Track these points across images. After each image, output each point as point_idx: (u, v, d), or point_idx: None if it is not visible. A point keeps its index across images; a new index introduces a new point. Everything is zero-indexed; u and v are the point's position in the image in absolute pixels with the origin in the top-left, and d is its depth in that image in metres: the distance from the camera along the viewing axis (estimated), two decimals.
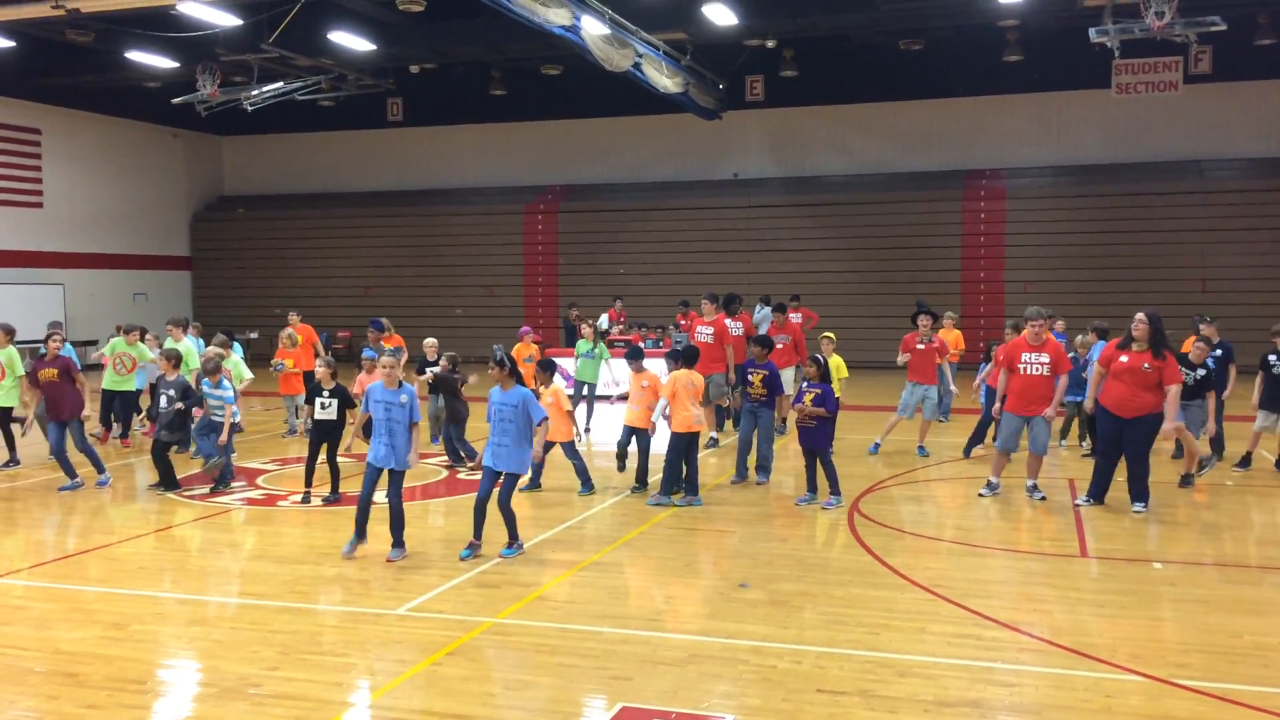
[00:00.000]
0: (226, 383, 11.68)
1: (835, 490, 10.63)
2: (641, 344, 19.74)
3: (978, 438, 13.49)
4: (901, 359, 13.61)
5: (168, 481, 11.63)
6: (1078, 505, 10.56)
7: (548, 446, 11.20)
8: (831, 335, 13.98)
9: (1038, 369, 10.75)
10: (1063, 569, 8.45)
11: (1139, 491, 10.33)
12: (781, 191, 28.58)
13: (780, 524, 10.04)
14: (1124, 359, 10.24)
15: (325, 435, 11.03)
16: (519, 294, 29.70)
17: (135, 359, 14.61)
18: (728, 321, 15.59)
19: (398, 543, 8.72)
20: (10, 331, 12.93)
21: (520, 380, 8.85)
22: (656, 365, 14.18)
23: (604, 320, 22.29)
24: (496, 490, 8.72)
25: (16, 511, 10.94)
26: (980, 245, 26.69)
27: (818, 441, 10.61)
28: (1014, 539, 9.44)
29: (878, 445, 13.77)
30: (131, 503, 11.32)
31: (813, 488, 10.75)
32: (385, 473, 8.68)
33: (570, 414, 11.46)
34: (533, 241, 29.93)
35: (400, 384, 8.72)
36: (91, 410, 12.70)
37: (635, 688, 5.97)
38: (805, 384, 10.72)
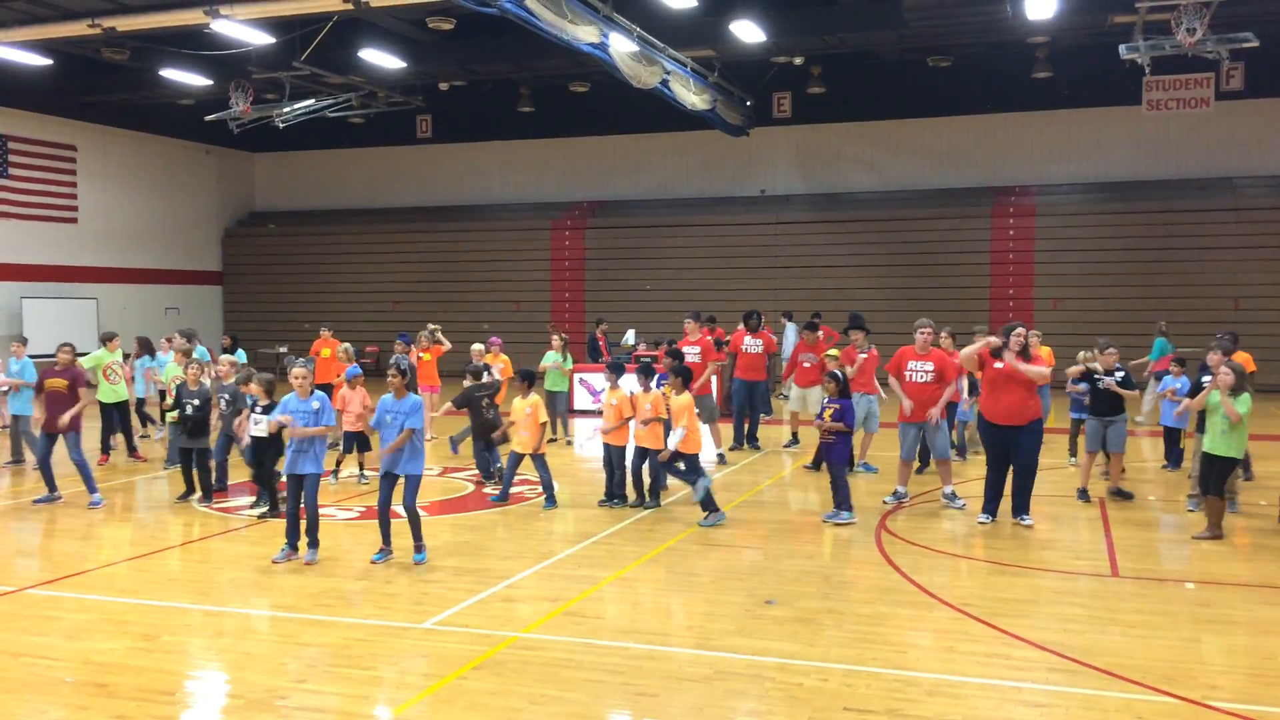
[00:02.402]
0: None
1: (845, 506, 10.62)
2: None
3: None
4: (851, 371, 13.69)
5: (206, 491, 11.73)
6: (981, 522, 10.49)
7: (517, 458, 11.34)
8: (836, 353, 13.91)
9: (923, 376, 11.14)
10: (1093, 588, 8.36)
11: (1024, 504, 10.37)
12: (809, 208, 28.54)
13: (806, 541, 10.00)
14: (999, 365, 10.28)
15: (260, 451, 11.05)
16: (546, 309, 29.77)
17: (125, 365, 14.76)
18: (747, 339, 15.57)
19: (313, 543, 9.05)
20: None
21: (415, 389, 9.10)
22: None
23: (630, 336, 22.27)
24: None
25: (47, 523, 11.05)
26: (1009, 262, 26.53)
27: (834, 456, 10.62)
28: (1044, 558, 9.34)
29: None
30: (161, 515, 11.41)
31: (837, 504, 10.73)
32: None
33: (543, 426, 11.47)
34: (560, 257, 30.02)
35: (312, 392, 9.03)
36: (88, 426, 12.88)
37: (660, 704, 5.96)
38: (826, 400, 10.78)
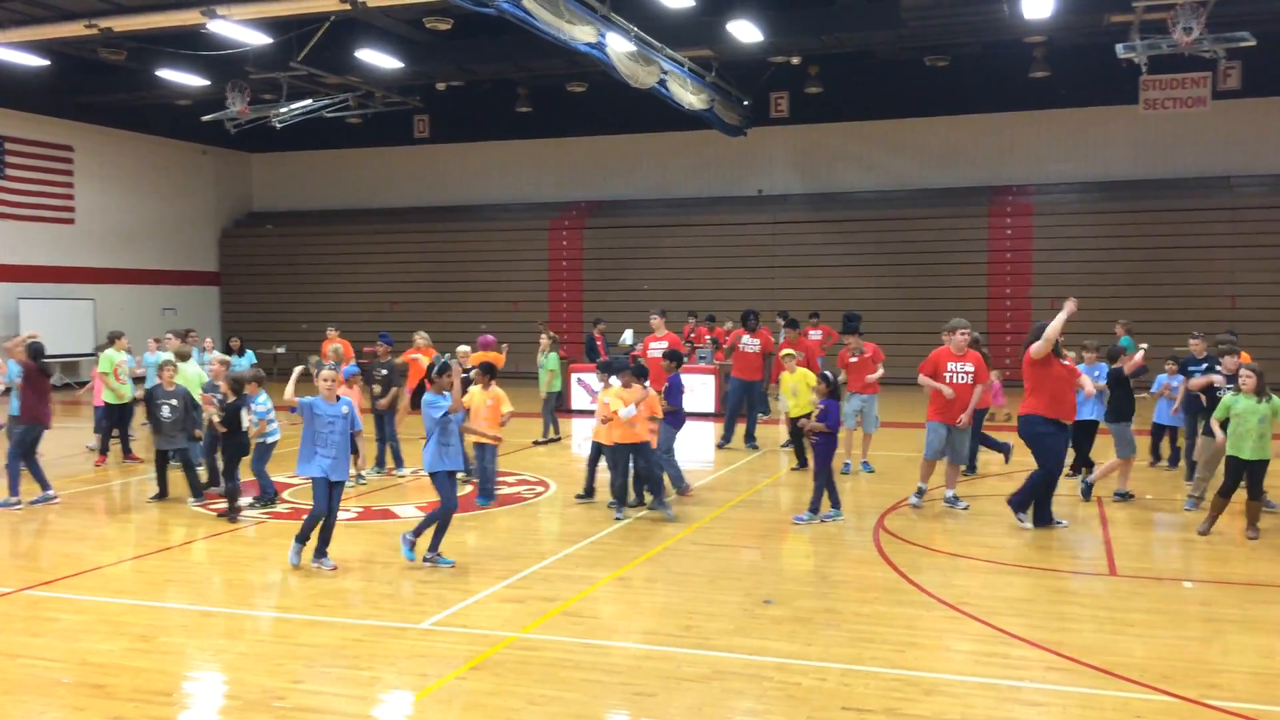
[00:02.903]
0: (263, 395, 11.76)
1: (814, 508, 10.64)
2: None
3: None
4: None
5: (196, 491, 11.73)
6: (1021, 523, 10.42)
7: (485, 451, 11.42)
8: (794, 352, 13.91)
9: (963, 377, 10.99)
10: (1091, 587, 8.37)
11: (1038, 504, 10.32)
12: (806, 208, 28.55)
13: (804, 540, 10.00)
14: (1066, 362, 10.28)
15: (215, 447, 11.16)
16: (544, 309, 29.76)
17: (128, 365, 14.83)
18: (745, 338, 15.60)
19: (321, 551, 8.89)
20: None
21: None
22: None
23: (628, 335, 22.24)
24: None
25: (44, 524, 11.03)
26: (1007, 261, 26.54)
27: (816, 456, 10.64)
28: (1042, 557, 9.34)
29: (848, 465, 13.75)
30: (156, 516, 11.39)
31: (835, 503, 10.72)
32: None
33: (506, 415, 11.44)
34: (558, 257, 30.01)
35: (339, 397, 8.92)
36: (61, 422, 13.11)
37: (659, 704, 5.95)
38: (816, 400, 10.81)
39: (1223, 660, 6.64)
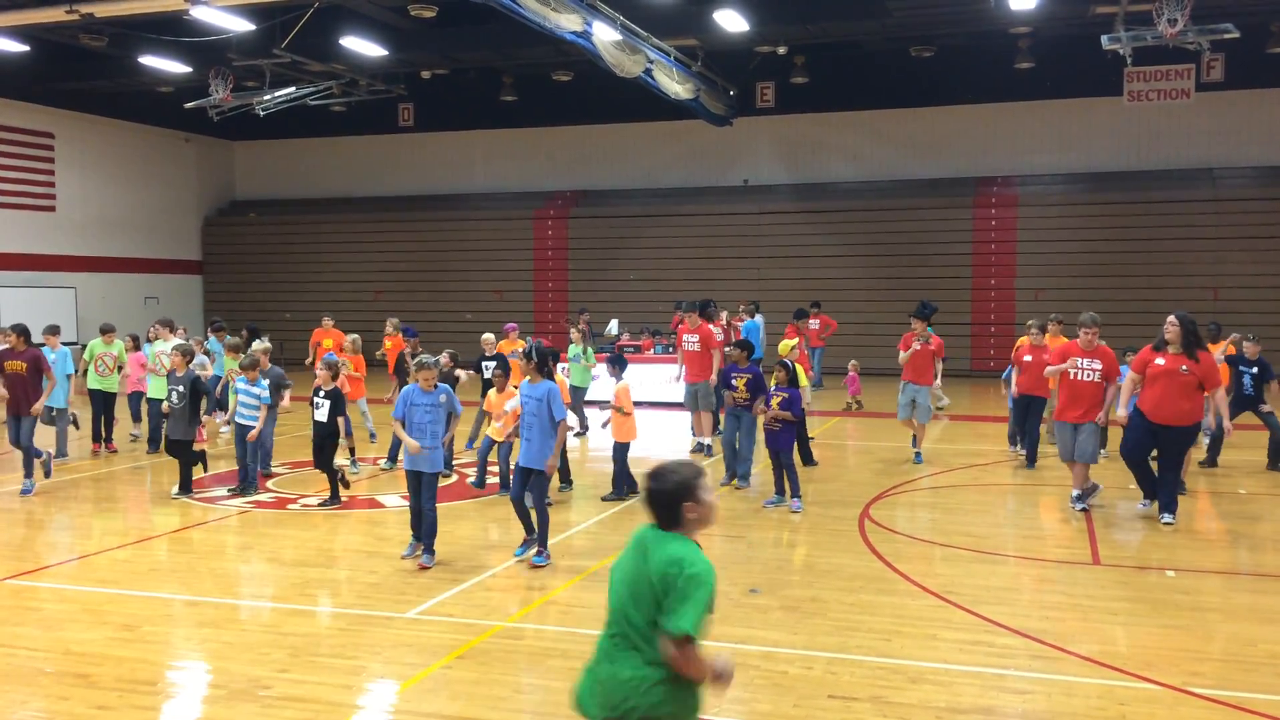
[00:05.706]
0: (264, 381, 11.70)
1: (796, 493, 10.74)
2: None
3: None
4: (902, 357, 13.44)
5: (184, 485, 11.63)
6: (1143, 507, 10.46)
7: (489, 444, 11.45)
8: (793, 343, 13.85)
9: (1089, 375, 10.46)
10: (1075, 576, 8.42)
11: (1169, 502, 10.09)
12: (792, 198, 28.55)
13: (789, 530, 10.02)
14: (1160, 361, 9.94)
15: (321, 438, 10.88)
16: (529, 299, 29.71)
17: (116, 357, 14.86)
18: (686, 336, 15.25)
19: (428, 548, 8.62)
20: None
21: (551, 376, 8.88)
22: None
23: (613, 325, 22.26)
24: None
25: (27, 513, 10.96)
26: (991, 252, 26.60)
27: (781, 444, 10.72)
28: (1026, 546, 9.39)
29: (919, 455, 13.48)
30: (143, 505, 11.33)
31: (780, 490, 10.82)
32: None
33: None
34: (543, 247, 29.95)
35: (436, 386, 8.68)
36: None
37: None
38: (775, 388, 10.86)
39: (1205, 648, 6.69)
